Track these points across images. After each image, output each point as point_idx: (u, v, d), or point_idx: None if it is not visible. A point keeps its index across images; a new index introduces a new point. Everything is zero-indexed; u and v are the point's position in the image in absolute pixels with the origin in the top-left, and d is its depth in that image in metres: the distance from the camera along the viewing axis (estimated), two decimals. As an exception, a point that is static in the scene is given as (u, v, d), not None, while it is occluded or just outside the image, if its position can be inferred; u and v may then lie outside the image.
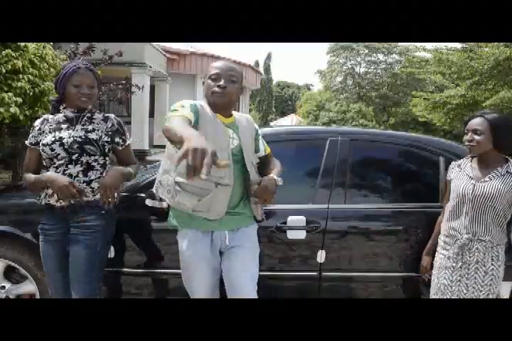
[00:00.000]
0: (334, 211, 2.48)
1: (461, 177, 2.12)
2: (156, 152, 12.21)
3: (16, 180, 6.42)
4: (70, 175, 2.05)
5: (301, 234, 2.40)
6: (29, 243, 2.39)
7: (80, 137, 2.06)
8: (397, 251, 2.50)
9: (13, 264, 2.50)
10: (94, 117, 2.16)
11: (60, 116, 2.14)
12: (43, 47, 5.04)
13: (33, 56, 4.81)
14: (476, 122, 2.04)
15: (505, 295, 2.44)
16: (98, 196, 2.11)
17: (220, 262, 2.01)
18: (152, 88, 13.34)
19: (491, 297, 2.03)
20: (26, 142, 2.17)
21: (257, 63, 31.57)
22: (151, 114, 13.44)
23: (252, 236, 2.07)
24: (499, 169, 2.05)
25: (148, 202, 2.33)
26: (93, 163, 2.10)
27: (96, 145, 2.09)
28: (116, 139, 2.16)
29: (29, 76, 4.70)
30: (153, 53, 12.39)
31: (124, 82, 7.94)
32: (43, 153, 2.09)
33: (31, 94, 4.71)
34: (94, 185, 2.09)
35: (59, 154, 2.06)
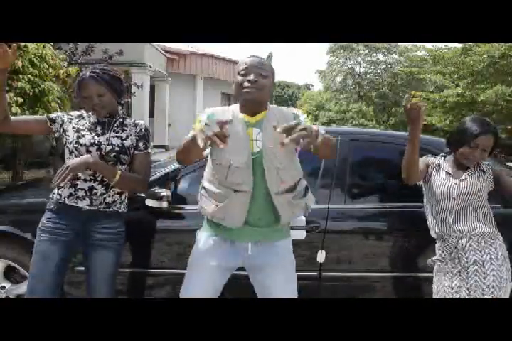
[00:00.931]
0: (334, 211, 2.48)
1: (443, 176, 2.13)
2: (156, 152, 12.21)
3: (16, 180, 6.42)
4: (107, 185, 2.03)
5: (301, 234, 2.40)
6: (29, 243, 2.38)
7: (118, 146, 2.04)
8: (397, 251, 2.50)
9: (13, 264, 2.50)
10: (125, 123, 2.13)
11: (93, 118, 2.11)
12: (43, 47, 5.04)
13: (33, 56, 4.82)
14: (489, 140, 2.04)
15: (506, 296, 2.44)
16: (123, 206, 2.12)
17: (226, 273, 1.91)
18: (152, 88, 13.35)
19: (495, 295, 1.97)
20: (45, 115, 2.13)
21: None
22: (151, 114, 13.45)
23: (282, 253, 1.90)
24: (472, 168, 2.12)
25: (149, 202, 2.34)
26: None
27: (128, 154, 2.07)
28: (140, 143, 2.11)
29: (29, 76, 4.71)
30: (153, 53, 12.40)
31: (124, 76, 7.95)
32: (75, 152, 2.02)
33: (31, 94, 4.71)
34: (123, 196, 2.11)
35: None
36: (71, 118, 2.11)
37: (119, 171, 2.00)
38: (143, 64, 11.39)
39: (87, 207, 2.03)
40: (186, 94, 15.35)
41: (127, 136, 2.09)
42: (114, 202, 2.08)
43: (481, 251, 2.01)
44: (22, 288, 2.55)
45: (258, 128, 1.82)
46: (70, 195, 2.03)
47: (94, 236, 2.05)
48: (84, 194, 2.02)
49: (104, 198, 2.05)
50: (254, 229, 1.84)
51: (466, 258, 2.01)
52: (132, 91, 8.98)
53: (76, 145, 2.03)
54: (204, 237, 1.92)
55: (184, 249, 2.46)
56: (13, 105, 4.39)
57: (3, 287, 2.55)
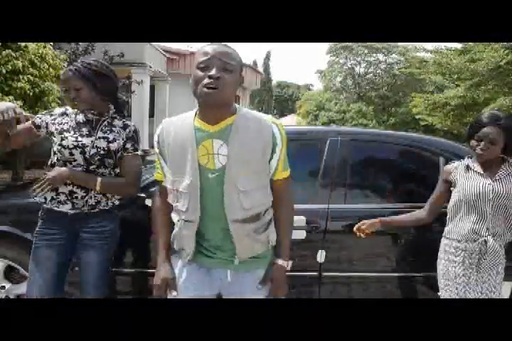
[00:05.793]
0: (334, 211, 2.48)
1: (475, 177, 2.06)
2: (156, 152, 12.20)
3: (16, 180, 6.42)
4: (87, 187, 2.00)
5: (301, 234, 2.40)
6: (29, 243, 2.38)
7: (103, 149, 1.98)
8: (396, 251, 2.50)
9: (13, 264, 2.50)
10: (114, 124, 2.05)
11: (80, 116, 2.04)
12: (43, 47, 5.05)
13: (33, 56, 4.82)
14: (493, 132, 1.98)
15: (505, 295, 2.44)
16: (111, 202, 2.09)
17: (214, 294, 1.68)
18: (152, 88, 13.36)
19: (499, 296, 2.03)
20: (30, 121, 2.04)
21: (255, 63, 31.50)
22: (151, 114, 13.46)
23: (252, 283, 1.62)
24: (503, 168, 2.05)
25: (149, 202, 2.34)
26: (108, 175, 2.05)
27: (114, 158, 2.03)
28: (128, 145, 2.04)
29: (29, 76, 4.72)
30: (153, 53, 12.40)
31: (125, 80, 7.94)
32: (58, 154, 2.00)
33: (31, 94, 4.72)
34: (109, 195, 2.07)
35: (75, 160, 1.99)
36: (54, 119, 2.05)
37: (98, 179, 1.97)
38: (143, 64, 11.40)
39: (71, 211, 2.01)
40: (186, 94, 15.29)
41: (114, 139, 2.02)
42: (98, 202, 2.04)
43: (498, 257, 2.02)
44: (22, 288, 2.55)
45: (221, 139, 1.48)
46: (52, 199, 2.02)
47: (81, 236, 2.03)
48: (65, 198, 2.01)
49: (86, 200, 2.01)
50: (220, 259, 1.59)
51: (484, 259, 2.01)
52: (132, 90, 8.98)
53: (59, 148, 1.99)
54: (179, 264, 1.66)
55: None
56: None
57: (3, 287, 2.54)
